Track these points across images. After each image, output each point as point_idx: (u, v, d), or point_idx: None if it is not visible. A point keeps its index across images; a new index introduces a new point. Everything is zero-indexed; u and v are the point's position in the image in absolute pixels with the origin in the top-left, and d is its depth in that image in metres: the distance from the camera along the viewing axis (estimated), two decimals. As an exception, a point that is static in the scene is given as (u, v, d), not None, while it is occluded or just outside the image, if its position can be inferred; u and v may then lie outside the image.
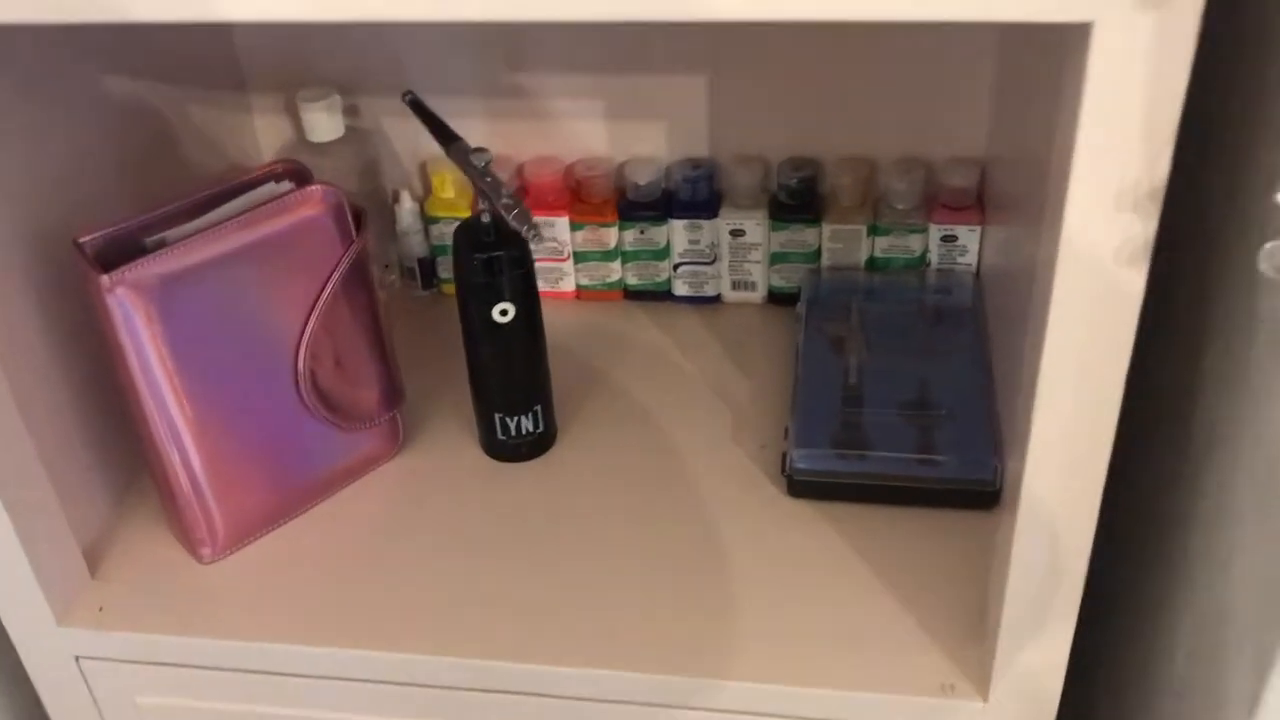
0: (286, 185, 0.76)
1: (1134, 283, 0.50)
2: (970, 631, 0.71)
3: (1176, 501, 0.68)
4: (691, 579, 0.76)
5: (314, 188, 0.75)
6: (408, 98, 0.80)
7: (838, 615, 0.72)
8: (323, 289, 0.77)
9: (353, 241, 0.77)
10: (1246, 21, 0.60)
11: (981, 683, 0.67)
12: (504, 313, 0.78)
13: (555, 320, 0.99)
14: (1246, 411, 0.56)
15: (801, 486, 0.80)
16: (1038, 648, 0.64)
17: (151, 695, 0.79)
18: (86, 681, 0.79)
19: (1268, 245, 0.43)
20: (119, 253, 0.70)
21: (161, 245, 0.71)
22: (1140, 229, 0.49)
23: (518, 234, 0.77)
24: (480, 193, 0.74)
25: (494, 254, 0.77)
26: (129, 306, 0.69)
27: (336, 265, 0.77)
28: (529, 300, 0.79)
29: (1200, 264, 0.67)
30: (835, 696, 0.68)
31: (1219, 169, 0.63)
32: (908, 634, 0.71)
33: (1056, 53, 0.62)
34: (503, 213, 0.71)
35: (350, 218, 0.77)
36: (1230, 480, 0.59)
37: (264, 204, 0.73)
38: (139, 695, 0.79)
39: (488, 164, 0.73)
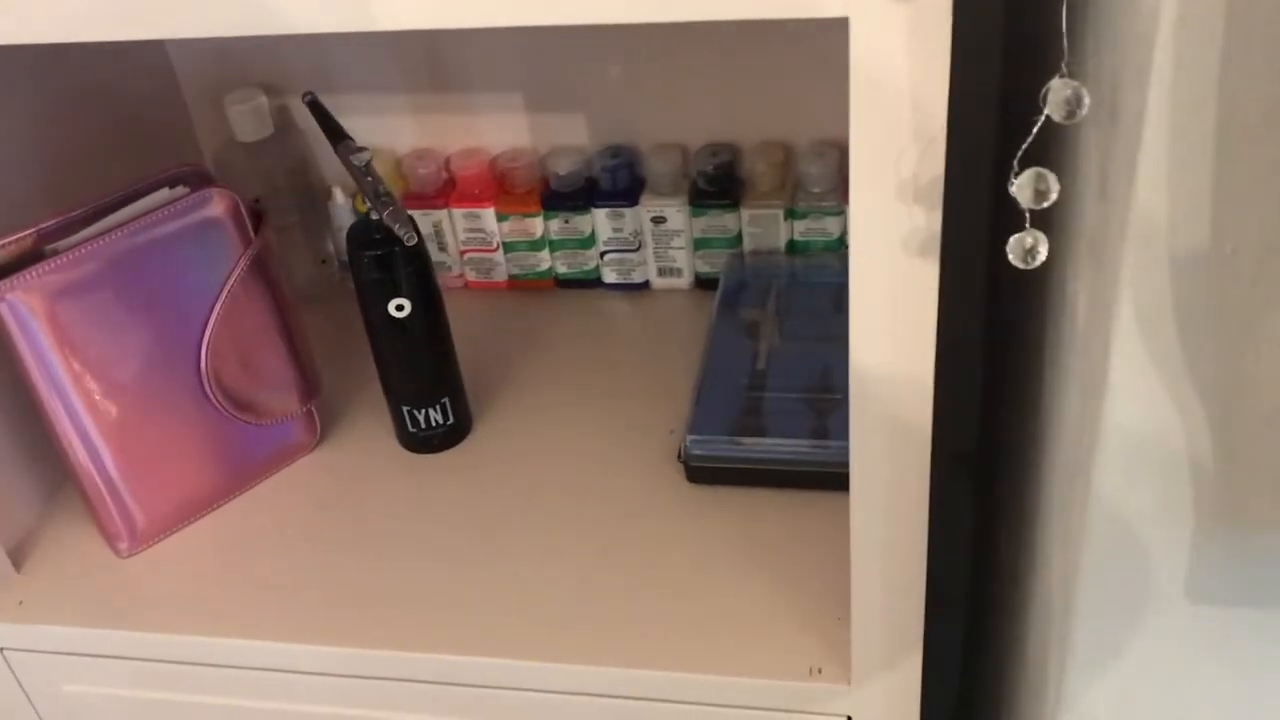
0: (181, 190, 0.78)
1: (926, 275, 0.50)
2: (843, 612, 0.71)
3: (1025, 497, 0.68)
4: (586, 566, 0.77)
5: (208, 191, 0.77)
6: (307, 98, 0.82)
7: (717, 600, 0.73)
8: (221, 290, 0.79)
9: (251, 242, 0.79)
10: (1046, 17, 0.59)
11: (846, 665, 0.68)
12: (400, 308, 0.80)
13: (487, 310, 1.01)
14: (1054, 404, 0.56)
15: (698, 472, 0.80)
16: (889, 629, 0.64)
17: (76, 684, 0.82)
18: (13, 671, 0.82)
19: (1013, 237, 0.43)
20: (25, 261, 0.73)
21: (54, 255, 0.73)
22: (925, 220, 0.49)
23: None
24: (362, 191, 0.76)
25: (386, 251, 0.78)
26: (24, 314, 0.72)
27: (234, 266, 0.79)
28: (426, 294, 0.81)
29: (1051, 260, 0.66)
30: (703, 680, 0.69)
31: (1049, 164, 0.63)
32: (783, 618, 0.72)
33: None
34: (378, 211, 0.72)
35: (248, 219, 0.79)
36: (1047, 476, 0.59)
37: (157, 209, 0.75)
38: (64, 684, 0.82)
39: (367, 163, 0.75)
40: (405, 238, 0.71)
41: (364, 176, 0.74)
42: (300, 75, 1.00)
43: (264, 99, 0.97)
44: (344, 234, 1.02)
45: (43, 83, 0.86)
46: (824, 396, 0.82)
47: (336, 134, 0.78)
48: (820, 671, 0.68)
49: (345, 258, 1.02)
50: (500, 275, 1.03)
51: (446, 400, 0.85)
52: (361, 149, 0.75)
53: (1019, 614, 0.68)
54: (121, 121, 0.95)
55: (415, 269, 0.79)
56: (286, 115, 1.02)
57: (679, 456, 0.81)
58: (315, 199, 1.03)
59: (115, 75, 0.94)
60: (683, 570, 0.75)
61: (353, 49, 0.98)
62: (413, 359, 0.83)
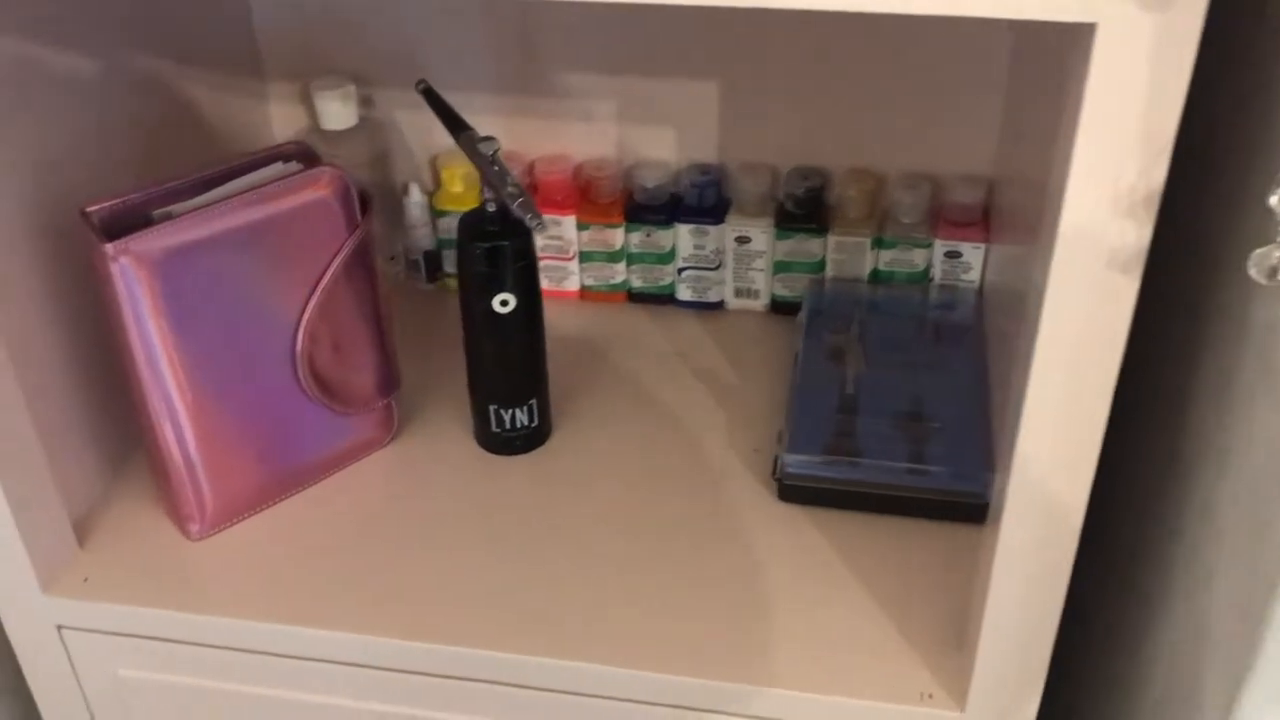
0: (294, 166, 0.77)
1: (1128, 288, 0.50)
2: (951, 641, 0.70)
3: (1162, 513, 0.68)
4: (677, 578, 0.75)
5: (322, 169, 0.75)
6: (421, 86, 0.81)
7: (820, 620, 0.72)
8: (325, 271, 0.77)
9: (358, 226, 0.78)
10: (1244, 24, 0.60)
11: (959, 693, 0.67)
12: (504, 303, 0.78)
13: (558, 319, 0.99)
14: (1233, 425, 0.56)
15: (791, 491, 0.80)
16: (1016, 662, 0.64)
17: (132, 668, 0.79)
18: (68, 651, 0.79)
19: (1257, 251, 0.43)
20: (125, 224, 0.71)
21: (168, 218, 0.71)
22: (1135, 234, 0.49)
23: (522, 225, 0.78)
24: (486, 181, 0.75)
25: (498, 244, 0.77)
26: (132, 276, 0.70)
27: (340, 249, 0.77)
28: (530, 292, 0.80)
29: (1194, 271, 0.67)
30: (813, 700, 0.68)
31: (1215, 172, 0.64)
32: (889, 641, 0.71)
33: (1059, 69, 0.62)
34: (507, 201, 0.71)
35: (357, 202, 0.77)
36: (1215, 496, 0.59)
37: (271, 182, 0.74)
38: (120, 668, 0.79)
39: (495, 153, 0.74)
40: (536, 228, 0.70)
41: (491, 166, 0.73)
42: (386, 68, 0.99)
43: (353, 88, 0.96)
44: (416, 231, 1.01)
45: (140, 43, 0.84)
46: (919, 424, 0.81)
47: (457, 123, 0.77)
48: (931, 697, 0.67)
49: (415, 256, 1.02)
50: (573, 284, 1.02)
51: (534, 402, 0.84)
52: (489, 138, 0.74)
53: (1145, 631, 0.67)
54: (202, 97, 0.93)
55: (523, 265, 0.78)
56: (369, 107, 1.01)
57: (774, 474, 0.80)
58: (390, 195, 1.02)
59: (202, 50, 0.93)
60: (780, 588, 0.74)
61: (443, 45, 0.97)
62: (508, 357, 0.82)
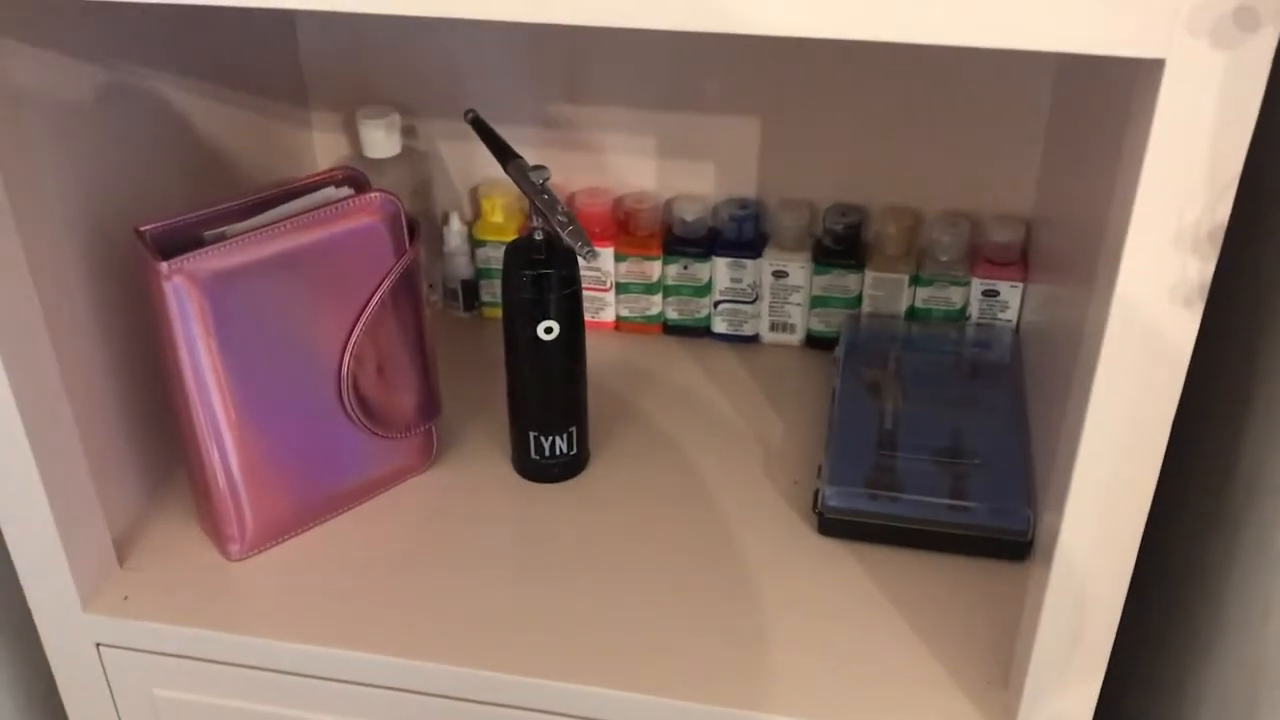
0: (346, 190, 0.77)
1: (1189, 323, 0.51)
2: (995, 679, 0.70)
3: (1214, 548, 0.68)
4: (718, 609, 0.75)
5: (373, 195, 0.76)
6: (469, 115, 0.82)
7: (862, 654, 0.72)
8: (372, 295, 0.78)
9: (405, 251, 0.78)
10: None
11: (1006, 729, 0.66)
12: (549, 330, 0.79)
13: (593, 350, 0.99)
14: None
15: (832, 524, 0.80)
16: (1063, 698, 0.63)
17: (168, 689, 0.79)
18: (105, 670, 0.79)
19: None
20: (178, 244, 0.72)
21: (220, 239, 0.72)
22: (1198, 270, 0.49)
23: (568, 254, 0.78)
24: (535, 209, 0.75)
25: (543, 271, 0.78)
26: (185, 296, 0.70)
27: (388, 273, 0.78)
28: (574, 321, 0.80)
29: (1250, 308, 0.67)
30: (857, 733, 0.67)
31: (1268, 200, 0.64)
32: (931, 676, 0.70)
33: (1109, 109, 0.63)
34: (558, 229, 0.72)
35: (406, 228, 0.78)
36: (1271, 531, 0.59)
37: (323, 207, 0.75)
38: (156, 687, 0.79)
39: (545, 181, 0.75)
40: (587, 256, 0.71)
41: (541, 195, 0.74)
42: (428, 99, 1.00)
43: (398, 117, 0.97)
44: (455, 260, 1.02)
45: (188, 70, 0.86)
46: (959, 461, 0.81)
47: (506, 152, 0.78)
48: (977, 733, 0.67)
49: (453, 285, 1.02)
50: (608, 315, 1.02)
51: (574, 430, 0.84)
52: (540, 167, 0.75)
53: (1194, 668, 0.67)
54: (247, 124, 0.94)
55: (569, 294, 0.79)
56: (411, 137, 1.02)
57: (814, 508, 0.80)
58: (430, 224, 1.02)
59: (248, 77, 0.94)
60: (822, 622, 0.74)
61: (486, 75, 0.98)
62: (550, 384, 0.82)
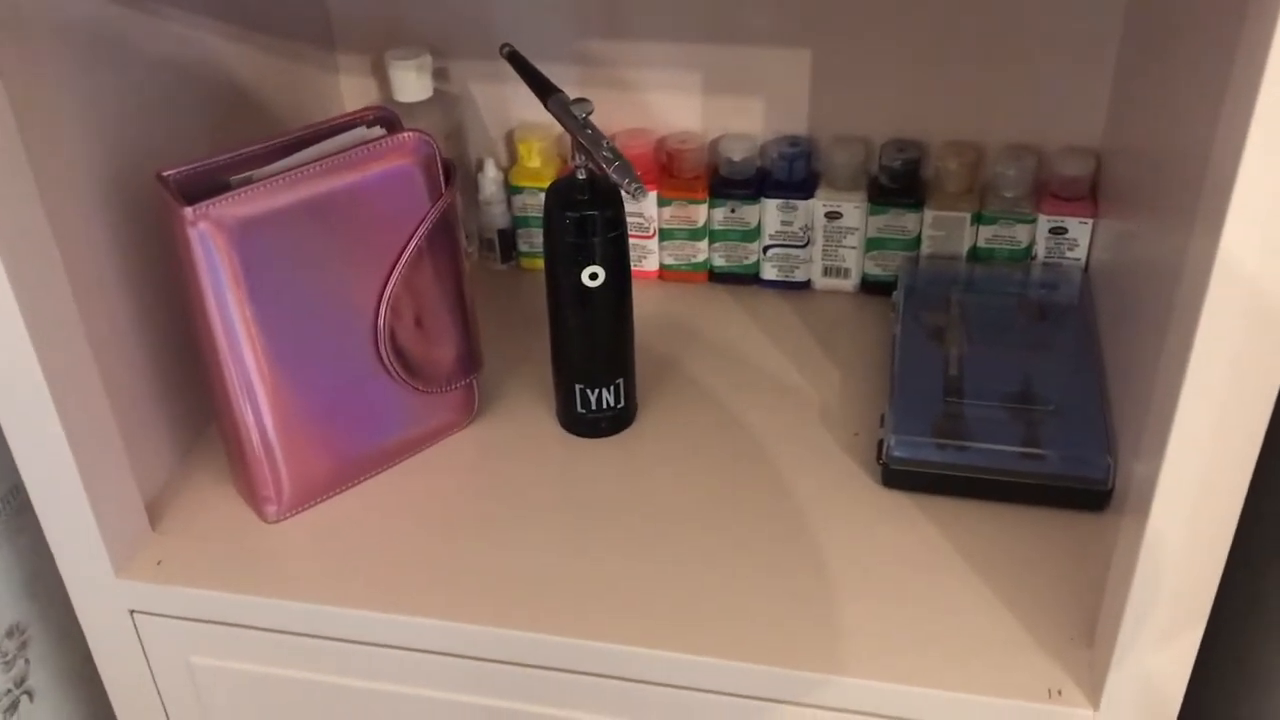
0: (378, 131, 0.73)
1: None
2: (1078, 635, 0.66)
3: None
4: (779, 567, 0.71)
5: (406, 135, 0.72)
6: (505, 50, 0.77)
7: (934, 611, 0.68)
8: (409, 242, 0.73)
9: (441, 195, 0.74)
10: None
11: (1093, 689, 0.62)
12: (594, 276, 0.74)
13: (636, 300, 0.95)
14: None
15: (898, 476, 0.75)
16: (1158, 656, 0.59)
17: (205, 656, 0.76)
18: (140, 637, 0.76)
19: None
20: (203, 190, 0.68)
21: (247, 184, 0.68)
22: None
23: (613, 195, 0.74)
24: (579, 146, 0.71)
25: (587, 213, 0.73)
26: (211, 243, 0.67)
27: (424, 218, 0.73)
28: (620, 266, 0.76)
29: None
30: (935, 696, 0.63)
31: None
32: (1011, 635, 0.66)
33: (1196, 25, 0.57)
34: (603, 165, 0.67)
35: (441, 170, 0.74)
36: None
37: (355, 148, 0.70)
38: (192, 655, 0.76)
39: (588, 115, 0.70)
40: (636, 194, 0.66)
41: (585, 130, 0.69)
42: (460, 40, 0.96)
43: (429, 58, 0.92)
44: (491, 209, 0.97)
45: (211, 9, 0.81)
46: (1031, 407, 0.77)
47: (545, 87, 0.74)
48: (1060, 694, 0.63)
49: (489, 235, 0.98)
50: (651, 264, 0.98)
51: (621, 382, 0.80)
52: (582, 99, 0.70)
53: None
54: (273, 67, 0.90)
55: (615, 237, 0.74)
56: (443, 80, 0.97)
57: (878, 458, 0.76)
58: (464, 171, 0.98)
59: (273, 18, 0.90)
60: (890, 578, 0.70)
61: (520, 11, 0.93)
62: (596, 334, 0.78)
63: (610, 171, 0.67)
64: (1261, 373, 0.49)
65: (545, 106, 0.73)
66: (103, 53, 0.70)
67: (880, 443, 0.76)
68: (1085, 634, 0.66)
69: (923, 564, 0.71)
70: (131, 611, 0.75)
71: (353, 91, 1.00)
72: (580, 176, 0.73)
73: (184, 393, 0.80)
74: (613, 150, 0.68)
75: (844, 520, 0.74)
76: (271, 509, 0.76)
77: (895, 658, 0.65)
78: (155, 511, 0.77)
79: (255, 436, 0.73)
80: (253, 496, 0.76)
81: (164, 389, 0.78)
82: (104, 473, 0.71)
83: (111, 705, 0.81)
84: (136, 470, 0.74)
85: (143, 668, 0.78)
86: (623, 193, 0.70)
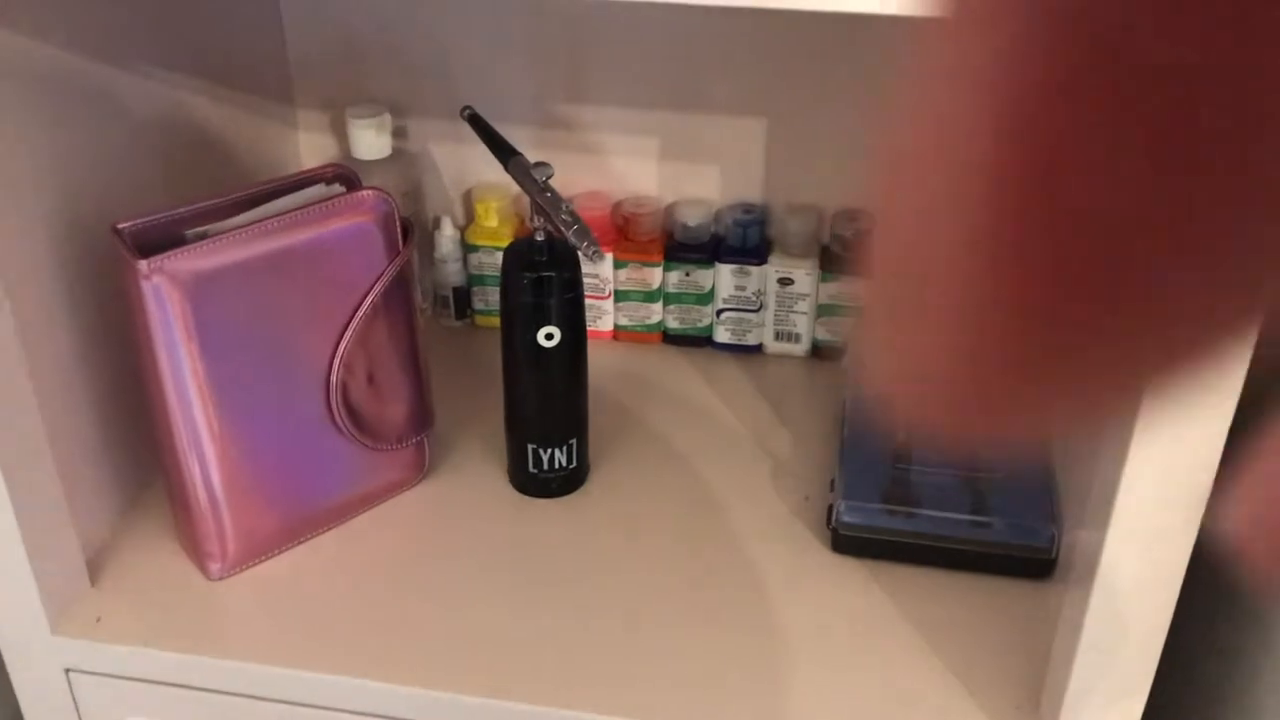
0: (337, 188, 0.73)
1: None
2: (1024, 703, 0.66)
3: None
4: (727, 630, 0.71)
5: (365, 193, 0.72)
6: (466, 113, 0.78)
7: (881, 678, 0.68)
8: (363, 299, 0.73)
9: (398, 253, 0.74)
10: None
11: (1039, 759, 0.63)
12: (549, 337, 0.75)
13: (591, 359, 0.96)
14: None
15: (847, 541, 0.76)
16: (1103, 724, 0.60)
17: (143, 717, 0.74)
18: (74, 697, 0.74)
19: None
20: (158, 243, 0.67)
21: (203, 238, 0.68)
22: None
23: (570, 257, 0.75)
24: (538, 208, 0.71)
25: (544, 274, 0.74)
26: (164, 297, 0.66)
27: (381, 275, 0.74)
28: (576, 327, 0.76)
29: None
30: (881, 763, 0.64)
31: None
32: (955, 702, 0.66)
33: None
34: (561, 229, 0.68)
35: (399, 228, 0.74)
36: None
37: (312, 205, 0.71)
38: (130, 716, 0.74)
39: (548, 179, 0.71)
40: (594, 257, 0.67)
41: (544, 193, 0.70)
42: (419, 99, 0.97)
43: (389, 117, 0.93)
44: (447, 267, 0.98)
45: (172, 64, 0.82)
46: (978, 475, 0.78)
47: (505, 149, 0.74)
48: (1007, 762, 0.63)
49: (444, 292, 0.98)
50: (606, 324, 0.98)
51: (574, 442, 0.80)
52: (542, 163, 0.71)
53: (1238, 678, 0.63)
54: (232, 121, 0.90)
55: (571, 298, 0.75)
56: (402, 138, 0.98)
57: (828, 523, 0.76)
58: (421, 229, 0.98)
59: (234, 73, 0.90)
60: (838, 644, 0.70)
61: (480, 75, 0.94)
62: (549, 394, 0.78)
63: (569, 234, 0.68)
64: (1204, 440, 0.51)
65: (505, 169, 0.74)
66: (62, 104, 0.70)
67: (830, 508, 0.77)
68: (1031, 701, 0.66)
69: (870, 630, 0.71)
70: (67, 670, 0.73)
71: (312, 148, 1.01)
72: (539, 238, 0.74)
73: (129, 445, 0.79)
74: (571, 213, 0.69)
75: (793, 585, 0.74)
76: (215, 566, 0.75)
77: (843, 724, 0.65)
78: (95, 566, 0.76)
79: (201, 492, 0.72)
80: (196, 552, 0.75)
81: (109, 441, 0.77)
82: (44, 525, 0.70)
83: (42, 766, 0.79)
84: (77, 523, 0.73)
85: (76, 728, 0.76)
86: (580, 255, 0.70)
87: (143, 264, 0.65)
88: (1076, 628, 0.58)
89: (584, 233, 0.67)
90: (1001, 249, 0.18)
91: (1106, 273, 0.18)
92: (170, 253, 0.66)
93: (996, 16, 0.17)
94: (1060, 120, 0.17)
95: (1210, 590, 0.74)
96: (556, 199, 0.70)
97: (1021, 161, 0.17)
